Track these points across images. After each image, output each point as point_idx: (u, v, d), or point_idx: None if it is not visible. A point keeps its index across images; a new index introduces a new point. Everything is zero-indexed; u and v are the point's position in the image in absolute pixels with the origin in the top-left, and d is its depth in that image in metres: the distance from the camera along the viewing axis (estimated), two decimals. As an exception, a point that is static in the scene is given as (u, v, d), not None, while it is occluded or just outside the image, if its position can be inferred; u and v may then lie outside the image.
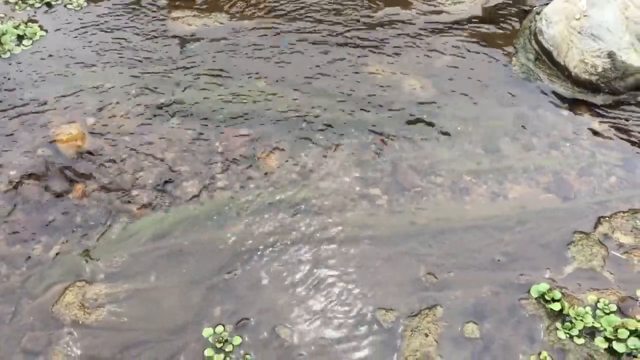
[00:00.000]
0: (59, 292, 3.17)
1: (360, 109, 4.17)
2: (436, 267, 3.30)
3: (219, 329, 3.01)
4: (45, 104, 4.17)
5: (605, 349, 2.94)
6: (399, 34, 4.84)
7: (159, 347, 2.97)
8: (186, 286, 3.21)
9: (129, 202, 3.59)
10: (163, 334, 3.02)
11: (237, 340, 2.97)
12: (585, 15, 4.35)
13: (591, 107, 4.24)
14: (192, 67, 4.51)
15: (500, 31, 4.89)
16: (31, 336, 3.01)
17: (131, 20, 4.99)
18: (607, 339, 2.96)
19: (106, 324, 3.07)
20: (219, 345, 2.94)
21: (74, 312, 3.10)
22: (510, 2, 5.20)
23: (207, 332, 2.99)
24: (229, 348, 2.94)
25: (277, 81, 4.39)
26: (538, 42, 4.64)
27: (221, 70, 4.49)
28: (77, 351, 2.96)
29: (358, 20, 4.98)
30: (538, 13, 4.83)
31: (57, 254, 3.34)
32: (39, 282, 3.22)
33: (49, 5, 5.16)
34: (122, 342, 3.00)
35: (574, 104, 4.26)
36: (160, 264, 3.31)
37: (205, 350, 2.93)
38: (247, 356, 2.93)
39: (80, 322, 3.06)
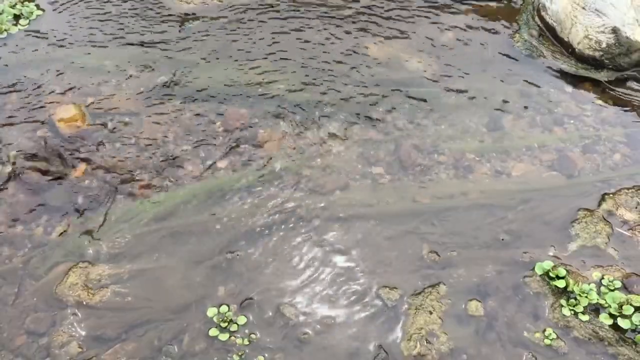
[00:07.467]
0: (62, 273, 3.16)
1: (362, 87, 4.13)
2: (439, 246, 3.30)
3: (224, 308, 3.00)
4: (43, 84, 4.13)
5: (610, 325, 2.95)
6: (400, 11, 4.77)
7: (163, 327, 2.97)
8: (189, 266, 3.20)
9: (131, 182, 3.57)
10: (167, 314, 3.02)
11: (241, 319, 2.97)
12: (589, -10, 4.29)
13: (595, 84, 4.20)
14: (191, 46, 4.46)
15: (503, 7, 4.83)
16: (35, 317, 3.01)
17: (128, -1, 4.92)
18: (611, 316, 2.97)
19: (110, 304, 3.06)
20: (223, 325, 2.94)
21: (78, 292, 3.10)
22: (513, -23, 5.13)
23: (211, 311, 2.99)
24: (233, 327, 2.94)
25: (277, 60, 4.34)
26: (541, 18, 4.58)
27: (221, 48, 4.43)
28: (81, 332, 2.96)
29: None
30: (541, -12, 4.77)
31: (59, 235, 3.32)
32: (41, 263, 3.21)
33: (45, -17, 5.08)
34: (127, 322, 3.00)
35: (577, 81, 4.23)
36: (163, 244, 3.30)
37: (210, 330, 2.93)
38: (253, 335, 2.93)
39: (84, 302, 3.06)
